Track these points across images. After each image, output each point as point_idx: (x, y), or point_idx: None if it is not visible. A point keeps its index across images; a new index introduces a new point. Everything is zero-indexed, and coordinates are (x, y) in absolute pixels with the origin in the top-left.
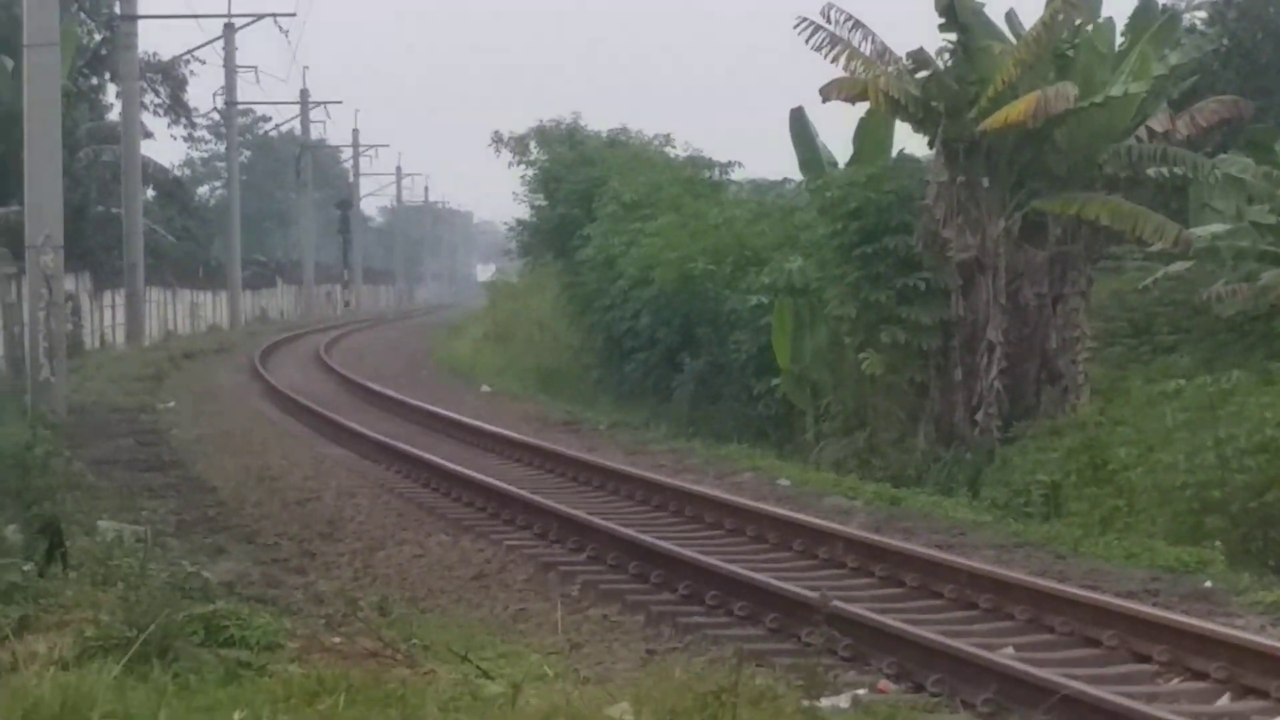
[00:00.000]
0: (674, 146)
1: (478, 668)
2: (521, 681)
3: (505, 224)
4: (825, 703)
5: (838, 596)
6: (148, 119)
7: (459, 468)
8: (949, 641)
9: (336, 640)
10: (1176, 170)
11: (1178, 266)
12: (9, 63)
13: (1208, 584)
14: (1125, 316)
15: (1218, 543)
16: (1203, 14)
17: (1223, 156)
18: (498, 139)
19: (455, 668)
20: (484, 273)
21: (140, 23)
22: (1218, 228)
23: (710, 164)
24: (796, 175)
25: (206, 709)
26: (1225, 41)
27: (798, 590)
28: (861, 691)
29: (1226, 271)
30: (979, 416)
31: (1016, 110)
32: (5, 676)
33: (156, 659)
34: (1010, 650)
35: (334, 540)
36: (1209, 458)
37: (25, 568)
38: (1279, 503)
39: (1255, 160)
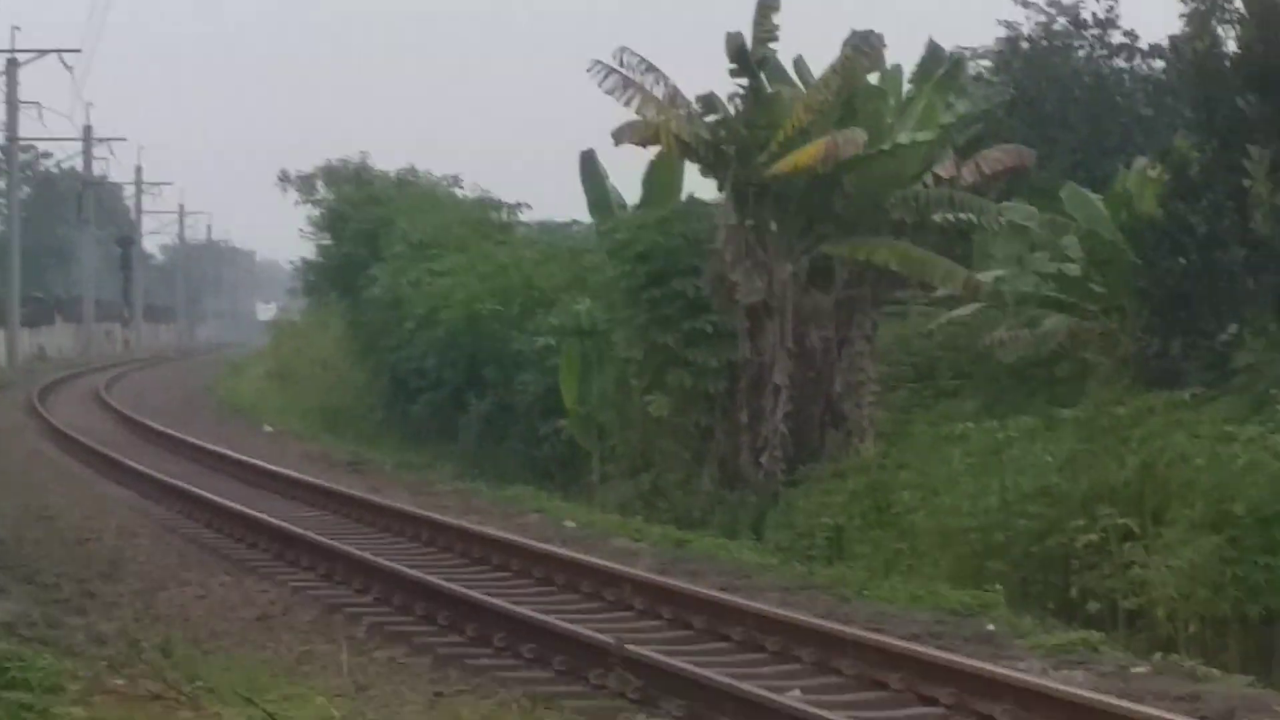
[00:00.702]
0: (462, 187)
1: (263, 710)
2: None
3: (290, 263)
4: None
5: (626, 639)
6: None
7: (241, 508)
8: (737, 684)
9: (119, 682)
10: (962, 216)
11: (961, 311)
12: None
13: (990, 627)
14: (909, 361)
15: (999, 586)
16: (988, 62)
17: (1007, 204)
18: (284, 177)
19: (241, 710)
20: (265, 311)
21: None
22: (1001, 273)
23: (499, 205)
24: (586, 217)
25: None
26: (1011, 90)
27: (587, 632)
28: None
29: (1008, 318)
30: (764, 459)
31: (806, 155)
32: None
33: None
34: (798, 693)
35: (115, 580)
36: (992, 501)
37: None
38: (1059, 547)
39: (1039, 208)
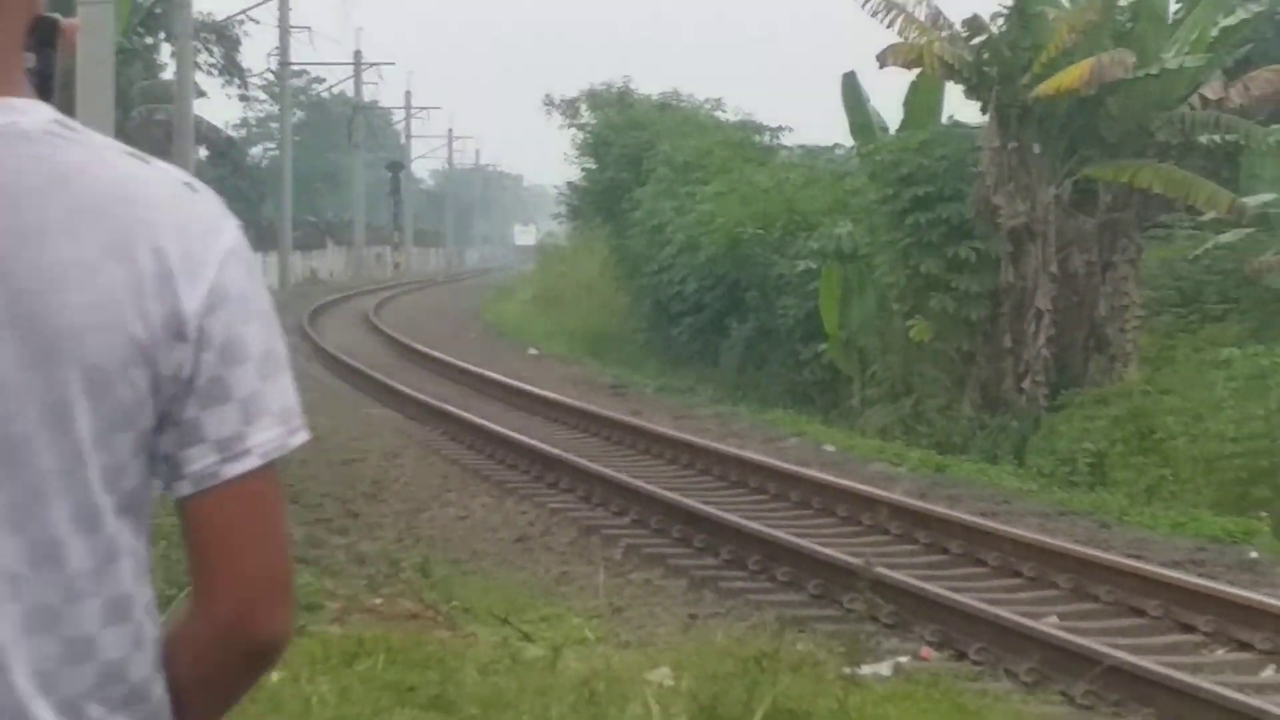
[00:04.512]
0: (725, 111)
1: (519, 630)
2: (562, 644)
3: (555, 187)
4: (866, 669)
5: (881, 563)
6: (201, 79)
7: (504, 430)
8: (992, 609)
9: (377, 601)
10: (1229, 138)
11: (1228, 236)
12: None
13: (1254, 554)
14: (1174, 285)
15: (1264, 513)
16: None
17: (1276, 126)
18: (549, 101)
19: (496, 630)
20: (522, 235)
21: None
22: (1269, 196)
23: (761, 128)
24: (847, 140)
25: None
26: None
27: (841, 556)
28: (903, 659)
29: (1276, 242)
30: (1026, 384)
31: (1070, 77)
32: None
33: None
34: (1054, 619)
35: (378, 501)
36: (1258, 427)
37: None
38: None
39: None
